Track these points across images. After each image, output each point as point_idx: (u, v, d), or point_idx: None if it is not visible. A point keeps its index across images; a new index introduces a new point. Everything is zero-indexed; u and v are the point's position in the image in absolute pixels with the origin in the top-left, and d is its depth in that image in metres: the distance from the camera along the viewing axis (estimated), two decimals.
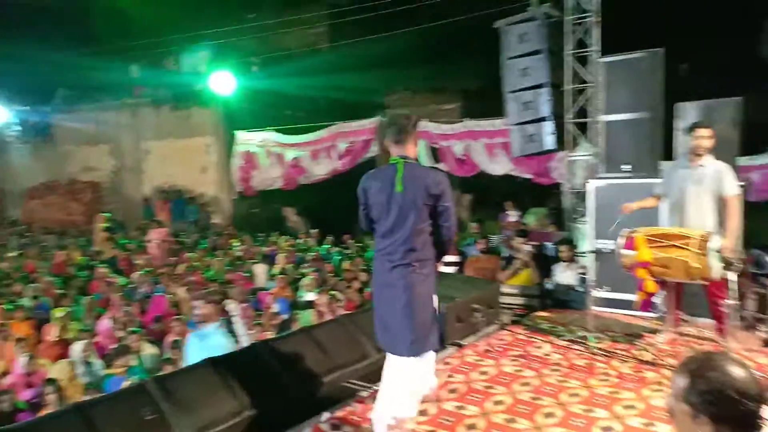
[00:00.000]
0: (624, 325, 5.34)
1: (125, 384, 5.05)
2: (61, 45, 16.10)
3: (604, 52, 7.10)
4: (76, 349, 6.04)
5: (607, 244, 5.66)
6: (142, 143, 17.15)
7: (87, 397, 5.13)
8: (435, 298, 3.34)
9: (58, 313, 7.27)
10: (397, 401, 3.22)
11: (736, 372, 1.49)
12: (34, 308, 7.85)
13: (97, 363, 6.02)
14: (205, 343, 4.18)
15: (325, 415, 3.68)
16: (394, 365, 3.25)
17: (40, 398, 5.02)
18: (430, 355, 3.39)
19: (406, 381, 3.21)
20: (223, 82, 14.91)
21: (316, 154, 13.97)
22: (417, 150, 3.38)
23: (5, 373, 5.84)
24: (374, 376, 4.22)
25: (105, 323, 6.98)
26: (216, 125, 15.95)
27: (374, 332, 3.40)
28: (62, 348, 6.42)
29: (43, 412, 4.68)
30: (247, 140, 15.02)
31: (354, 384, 4.13)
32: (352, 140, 13.51)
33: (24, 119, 19.21)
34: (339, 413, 3.71)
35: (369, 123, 13.32)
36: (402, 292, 3.18)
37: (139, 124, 17.09)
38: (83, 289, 8.98)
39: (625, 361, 4.44)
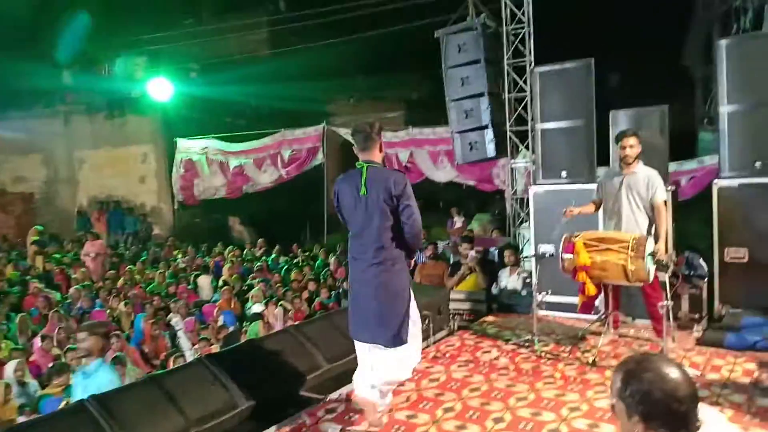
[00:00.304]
0: (567, 327, 5.51)
1: (63, 404, 4.82)
2: None
3: (539, 61, 7.33)
4: (9, 368, 5.74)
5: (548, 249, 5.84)
6: (76, 152, 16.52)
7: (22, 419, 4.89)
8: (410, 293, 3.56)
9: None
10: (385, 387, 3.54)
11: (669, 373, 1.55)
12: None
13: (32, 383, 5.73)
14: (92, 380, 3.90)
15: (274, 428, 3.63)
16: (379, 355, 3.48)
17: None
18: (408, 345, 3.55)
19: (393, 368, 3.49)
20: (161, 89, 14.56)
21: (260, 162, 13.78)
22: (382, 155, 3.61)
23: None
24: (324, 387, 4.22)
25: (39, 342, 6.64)
26: (154, 133, 15.54)
27: (351, 328, 3.59)
28: None
29: None
30: (188, 148, 14.67)
31: (304, 395, 4.09)
32: (297, 148, 13.40)
33: None
34: (289, 425, 3.67)
35: (314, 130, 13.26)
36: (377, 290, 3.42)
37: (72, 132, 16.44)
38: (16, 305, 8.53)
39: (570, 363, 4.58)
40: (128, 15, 16.31)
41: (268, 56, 16.56)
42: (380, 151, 3.57)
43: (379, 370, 3.48)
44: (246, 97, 15.90)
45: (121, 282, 9.71)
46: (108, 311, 7.89)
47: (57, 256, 12.31)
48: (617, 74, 12.04)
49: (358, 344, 3.63)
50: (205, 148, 14.40)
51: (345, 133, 12.91)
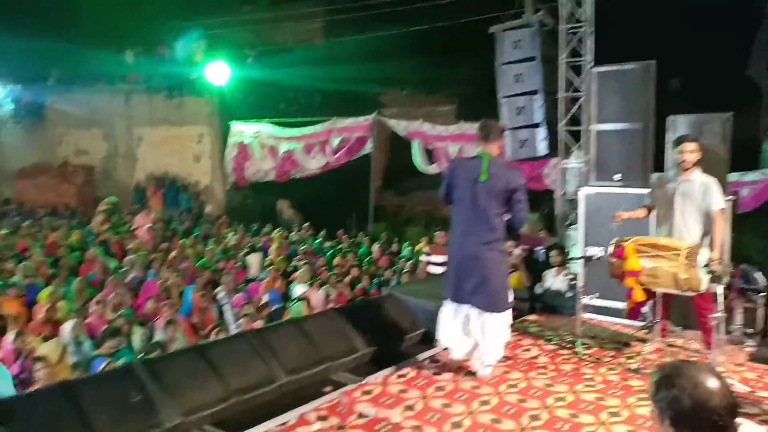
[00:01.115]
0: (612, 332, 5.42)
1: (103, 365, 5.05)
2: (57, 26, 15.99)
3: (598, 61, 7.18)
4: (67, 327, 6.04)
5: (596, 252, 5.74)
6: (135, 129, 17.07)
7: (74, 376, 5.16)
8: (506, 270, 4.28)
9: (47, 292, 7.27)
10: (498, 347, 4.19)
11: (704, 382, 1.53)
12: (26, 287, 7.82)
13: (87, 343, 6.02)
14: None
15: (312, 406, 3.71)
16: (489, 321, 4.08)
17: (28, 374, 5.01)
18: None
19: (503, 330, 4.17)
20: (218, 73, 14.89)
21: (309, 148, 13.97)
22: (499, 150, 4.20)
23: None
24: (361, 369, 4.29)
25: (95, 305, 6.97)
26: (210, 115, 15.92)
27: (452, 293, 4.15)
28: (52, 327, 6.42)
29: (31, 389, 4.68)
30: (241, 131, 15.00)
31: (342, 377, 4.18)
32: (346, 136, 13.52)
33: (17, 98, 19.03)
34: (325, 405, 3.75)
35: (364, 120, 13.34)
36: (487, 263, 4.00)
37: (132, 110, 17.01)
38: (74, 270, 8.96)
39: (612, 368, 4.51)
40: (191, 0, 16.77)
41: (323, 45, 16.73)
42: (498, 148, 4.18)
43: (486, 330, 4.07)
44: (300, 84, 16.12)
45: (173, 255, 10.05)
46: (160, 281, 8.18)
47: (117, 227, 12.85)
48: (679, 79, 11.65)
49: (450, 305, 4.18)
50: (258, 132, 14.69)
51: (395, 124, 12.96)
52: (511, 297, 4.20)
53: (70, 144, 18.18)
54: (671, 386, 1.55)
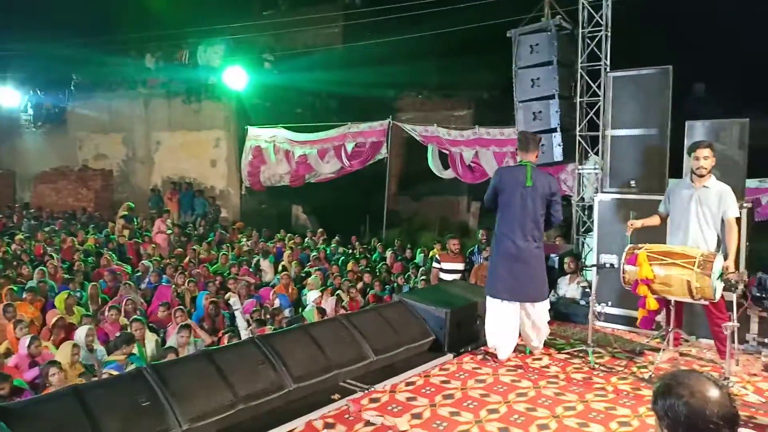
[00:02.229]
0: (624, 341, 5.34)
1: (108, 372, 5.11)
2: (77, 32, 16.25)
3: (615, 66, 7.10)
4: (80, 333, 6.11)
5: (610, 259, 5.67)
6: (153, 134, 17.27)
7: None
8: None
9: (62, 297, 7.36)
10: (545, 330, 4.87)
11: (702, 391, 1.53)
12: (42, 291, 7.94)
13: (100, 349, 6.08)
14: None
15: (320, 413, 3.70)
16: (539, 309, 4.73)
17: (43, 379, 5.07)
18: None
19: (546, 316, 4.84)
20: (236, 78, 15.00)
21: (323, 152, 13.99)
22: (537, 160, 4.80)
23: (9, 353, 5.91)
24: (370, 377, 4.27)
25: (108, 311, 7.04)
26: (227, 119, 16.04)
27: (501, 291, 4.65)
28: (66, 332, 6.49)
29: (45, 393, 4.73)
30: (258, 135, 15.10)
31: (350, 384, 4.16)
32: (360, 141, 13.53)
33: (38, 104, 19.37)
34: (333, 412, 3.74)
35: (379, 125, 13.34)
36: (534, 259, 4.64)
37: (151, 114, 17.21)
38: (89, 275, 9.07)
39: (624, 378, 4.44)
40: (209, 5, 16.94)
41: (341, 50, 16.80)
42: (536, 157, 4.77)
43: (538, 318, 4.71)
44: (316, 88, 16.21)
45: (186, 260, 10.13)
46: (173, 287, 8.24)
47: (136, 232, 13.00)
48: (696, 84, 11.48)
49: (502, 305, 4.63)
50: (274, 136, 14.77)
51: (410, 129, 12.95)
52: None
53: (90, 148, 18.45)
54: (669, 394, 1.56)
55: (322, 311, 7.28)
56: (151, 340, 6.44)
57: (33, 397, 4.54)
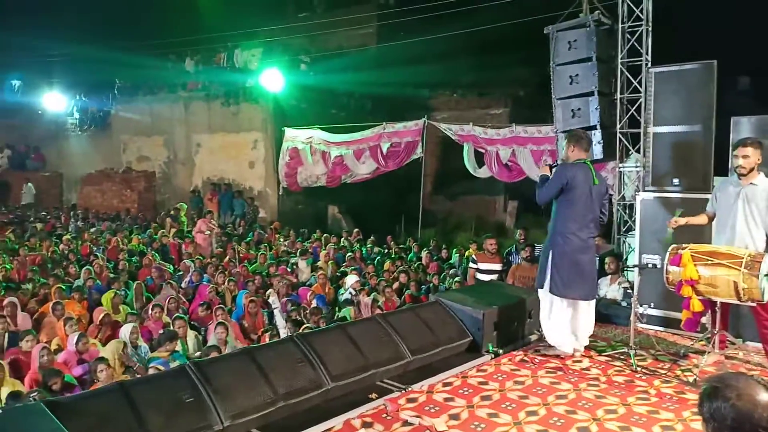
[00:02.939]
0: (668, 343, 5.21)
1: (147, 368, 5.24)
2: (120, 37, 16.73)
3: (656, 61, 6.93)
4: (125, 330, 6.29)
5: (653, 259, 5.54)
6: (194, 136, 17.66)
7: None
8: None
9: (108, 295, 7.59)
10: (591, 330, 4.93)
11: (751, 394, 1.49)
12: (89, 290, 8.21)
13: (143, 346, 6.25)
14: None
15: (357, 412, 3.72)
16: (591, 306, 4.82)
17: (91, 375, 5.23)
18: None
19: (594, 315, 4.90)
20: (273, 80, 15.20)
21: (359, 153, 14.06)
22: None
23: (58, 350, 6.13)
24: (407, 377, 4.27)
25: (151, 309, 7.23)
26: (264, 121, 16.27)
27: (567, 289, 4.63)
28: (111, 329, 6.69)
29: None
30: (295, 137, 15.26)
31: (387, 384, 4.17)
32: (396, 141, 13.54)
33: (83, 108, 20.02)
34: (371, 411, 3.76)
35: (414, 125, 13.33)
36: (593, 257, 4.77)
37: (191, 117, 17.60)
38: (134, 274, 9.33)
39: (667, 381, 4.33)
40: (247, 8, 17.22)
41: (375, 50, 16.86)
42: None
43: (588, 319, 4.78)
44: (351, 89, 16.29)
45: (227, 260, 10.32)
46: (213, 286, 8.41)
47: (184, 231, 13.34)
48: (742, 79, 11.09)
49: (563, 303, 4.67)
50: (310, 137, 14.91)
51: (446, 128, 12.90)
52: None
53: (133, 151, 18.98)
54: (715, 397, 1.52)
55: (359, 312, 7.31)
56: (192, 337, 6.59)
57: (81, 392, 4.70)
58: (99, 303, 7.66)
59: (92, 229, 13.59)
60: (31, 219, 15.50)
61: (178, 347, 6.07)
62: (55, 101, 20.00)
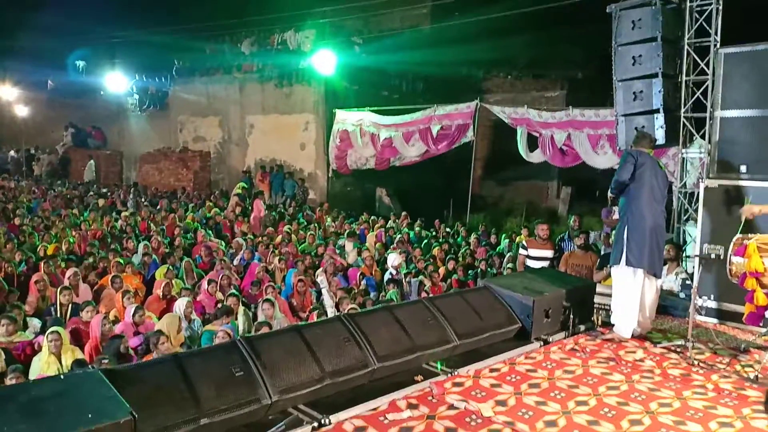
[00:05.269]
0: (728, 337, 5.00)
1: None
2: (178, 20, 17.07)
3: (726, 42, 6.55)
4: (180, 304, 6.49)
5: (715, 250, 5.29)
6: (247, 117, 17.94)
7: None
8: None
9: (163, 270, 7.84)
10: (653, 313, 5.06)
11: None
12: (146, 265, 8.50)
13: (197, 320, 6.44)
14: None
15: (403, 393, 3.72)
16: (658, 285, 4.98)
17: (150, 346, 5.41)
18: None
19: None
20: (325, 62, 15.21)
21: (409, 135, 13.94)
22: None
23: (115, 321, 6.38)
24: (453, 361, 4.23)
25: (206, 285, 7.42)
26: (316, 103, 16.36)
27: (642, 259, 4.76)
28: (166, 303, 6.91)
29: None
30: (345, 119, 15.28)
31: (433, 366, 4.15)
32: (446, 124, 13.34)
33: (143, 88, 20.63)
34: (416, 393, 3.75)
35: (466, 107, 13.10)
36: (663, 234, 5.05)
37: (245, 98, 17.88)
38: (188, 250, 9.60)
39: (726, 376, 4.15)
40: None
41: (428, 30, 16.61)
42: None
43: (655, 297, 4.95)
44: (403, 70, 16.14)
45: (278, 239, 10.49)
46: (264, 265, 8.56)
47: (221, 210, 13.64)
48: None
49: (636, 278, 4.77)
50: (360, 119, 14.90)
51: (499, 111, 12.62)
52: None
53: (190, 131, 19.48)
54: None
55: (405, 294, 7.30)
56: (243, 314, 6.74)
57: (137, 362, 4.88)
58: (153, 277, 7.92)
59: (150, 207, 14.04)
60: (92, 195, 16.15)
61: (229, 323, 6.22)
62: (117, 82, 20.69)
